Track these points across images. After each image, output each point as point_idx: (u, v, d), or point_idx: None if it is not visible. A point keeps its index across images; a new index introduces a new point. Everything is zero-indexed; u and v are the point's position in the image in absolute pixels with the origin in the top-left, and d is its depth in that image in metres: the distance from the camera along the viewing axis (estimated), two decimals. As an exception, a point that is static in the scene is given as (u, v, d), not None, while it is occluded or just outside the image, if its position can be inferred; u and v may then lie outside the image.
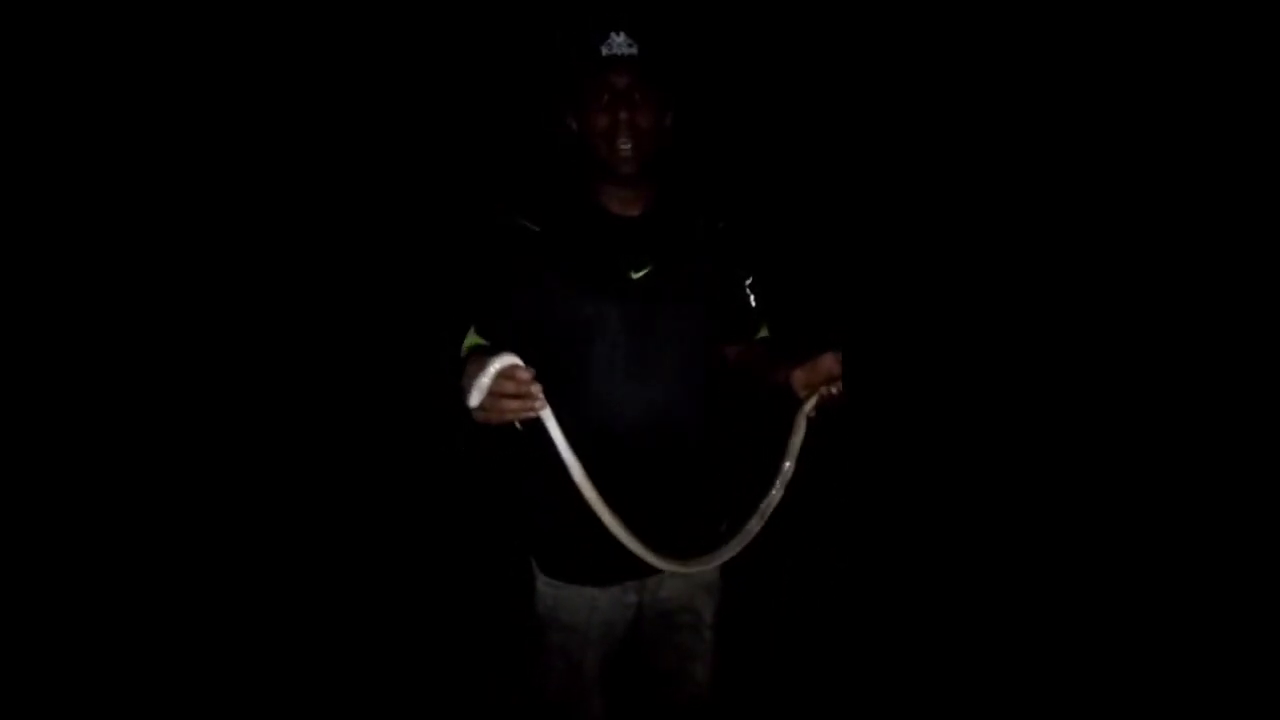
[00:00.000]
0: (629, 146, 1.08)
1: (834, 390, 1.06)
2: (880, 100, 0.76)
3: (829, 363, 1.06)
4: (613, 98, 1.07)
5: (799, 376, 1.08)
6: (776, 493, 1.08)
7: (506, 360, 0.82)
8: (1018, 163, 0.62)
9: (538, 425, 0.88)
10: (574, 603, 1.23)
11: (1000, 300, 0.64)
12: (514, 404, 0.82)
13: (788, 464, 1.08)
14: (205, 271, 2.70)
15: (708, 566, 1.07)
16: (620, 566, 1.20)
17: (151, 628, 1.96)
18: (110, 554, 2.15)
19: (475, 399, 0.80)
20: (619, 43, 1.05)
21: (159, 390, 2.58)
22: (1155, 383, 0.55)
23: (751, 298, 1.25)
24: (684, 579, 1.25)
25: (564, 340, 1.11)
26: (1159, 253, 0.54)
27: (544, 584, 1.25)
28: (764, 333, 1.29)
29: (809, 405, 1.07)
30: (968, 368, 0.67)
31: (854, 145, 0.78)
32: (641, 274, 1.13)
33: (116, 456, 2.37)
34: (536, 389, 0.83)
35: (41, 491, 2.12)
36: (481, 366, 0.81)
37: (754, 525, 1.07)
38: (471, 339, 1.11)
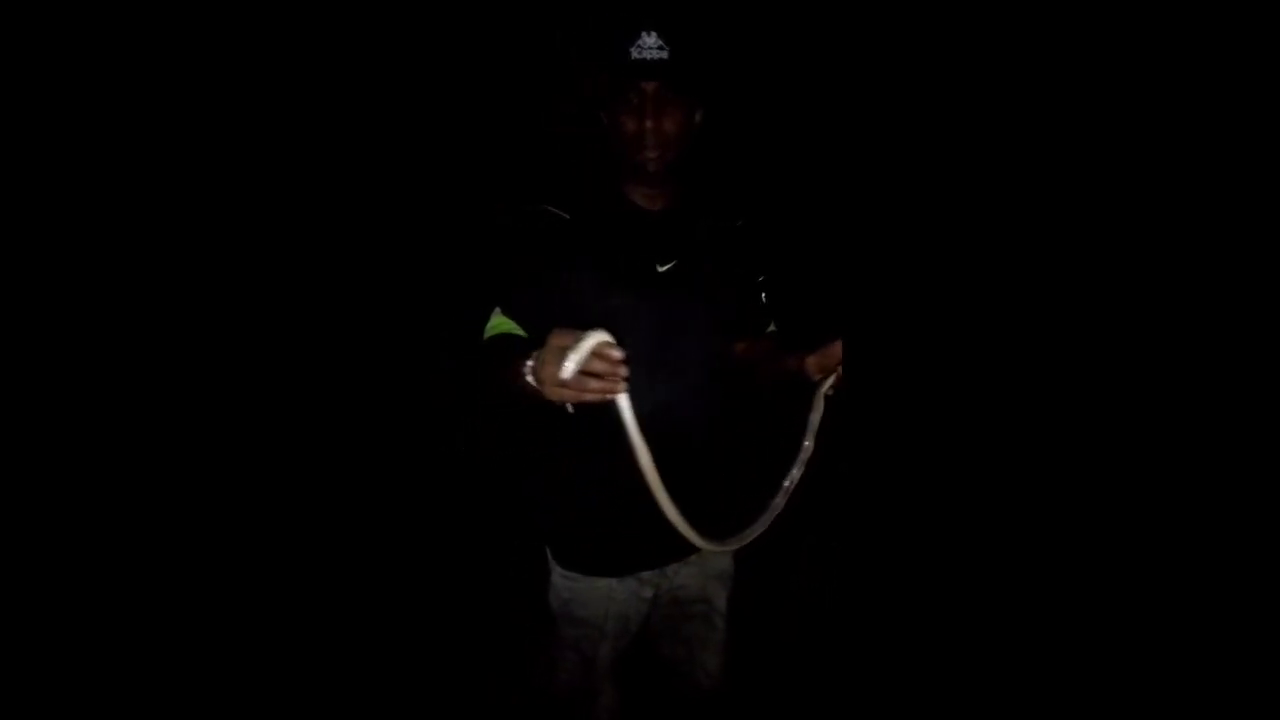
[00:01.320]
0: (655, 153, 1.07)
1: None
2: (891, 99, 0.80)
3: (842, 347, 1.11)
4: (640, 102, 1.05)
5: (813, 361, 1.10)
6: (798, 470, 1.12)
7: (601, 336, 0.80)
8: (1026, 164, 0.65)
9: (592, 407, 0.84)
10: (590, 596, 1.22)
11: (1003, 294, 0.67)
12: (597, 384, 0.80)
13: (808, 442, 1.13)
14: (211, 270, 2.63)
15: (741, 544, 1.09)
16: (640, 555, 1.21)
17: (153, 625, 1.87)
18: (112, 552, 2.02)
19: (569, 370, 0.77)
20: (649, 45, 1.03)
21: (166, 391, 2.50)
22: (1157, 377, 0.58)
23: (763, 294, 1.29)
24: (698, 568, 1.27)
25: (588, 328, 1.11)
26: (1164, 257, 0.58)
27: (560, 577, 1.24)
28: (771, 328, 1.33)
29: (826, 385, 1.11)
30: (972, 359, 0.69)
31: (864, 144, 0.81)
32: (667, 268, 1.14)
33: (117, 455, 2.27)
34: (624, 371, 0.81)
35: (40, 491, 2.02)
36: (574, 339, 0.79)
37: (779, 502, 1.11)
38: (498, 321, 1.09)
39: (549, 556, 1.26)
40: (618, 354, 0.80)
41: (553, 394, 0.82)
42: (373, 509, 2.64)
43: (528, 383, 0.88)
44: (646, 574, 1.23)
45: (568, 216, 1.11)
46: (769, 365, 1.24)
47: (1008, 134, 0.66)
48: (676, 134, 1.07)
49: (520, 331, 1.07)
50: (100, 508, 2.13)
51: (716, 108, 1.16)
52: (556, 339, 0.82)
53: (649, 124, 1.05)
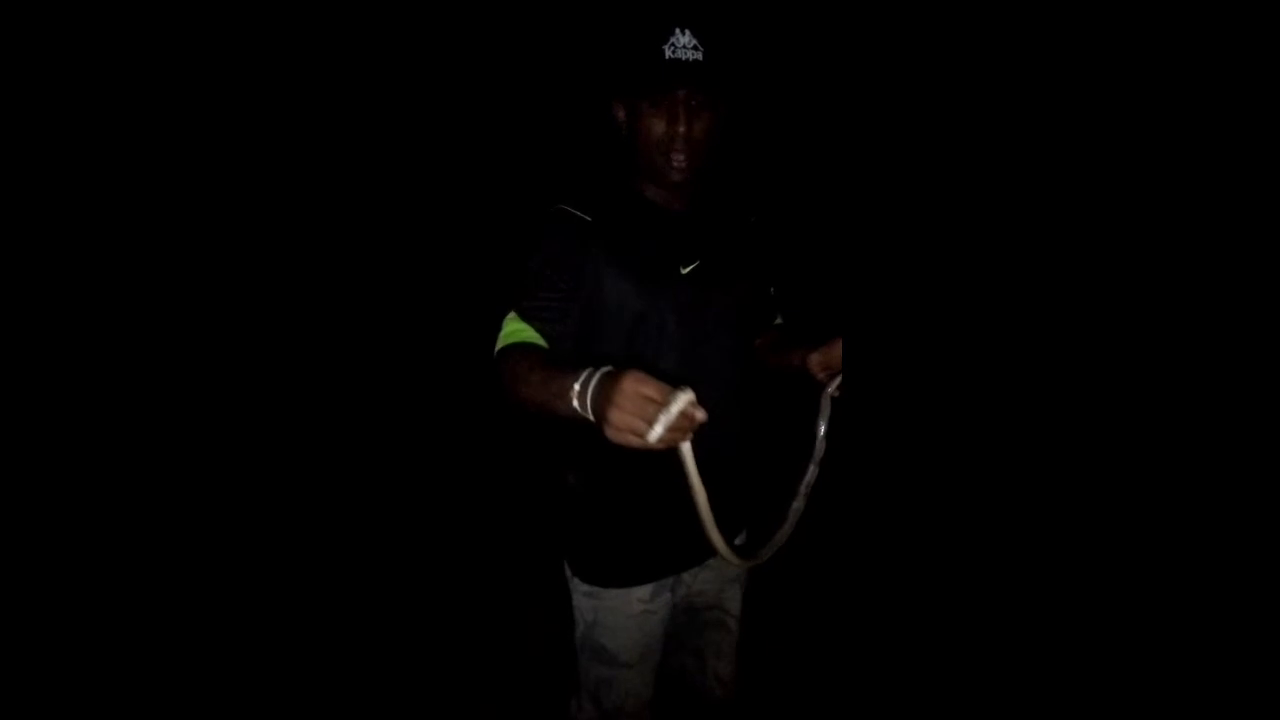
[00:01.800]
0: (682, 158, 1.02)
1: None
2: (890, 100, 0.78)
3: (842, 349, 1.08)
4: (672, 105, 0.99)
5: (816, 360, 1.08)
6: (813, 470, 1.12)
7: (689, 396, 0.75)
8: (1026, 169, 0.65)
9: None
10: (614, 617, 1.17)
11: (1000, 298, 0.66)
12: (669, 436, 0.75)
13: (820, 442, 1.12)
14: (244, 270, 2.72)
15: (769, 555, 1.07)
16: (662, 562, 1.18)
17: (162, 627, 1.95)
18: (129, 552, 2.17)
19: (657, 434, 0.73)
20: (684, 45, 0.97)
21: (205, 390, 2.61)
22: (1154, 377, 0.57)
23: (771, 288, 1.28)
24: (715, 572, 1.25)
25: (613, 333, 1.07)
26: (1163, 258, 0.57)
27: (582, 596, 1.19)
28: (778, 320, 1.31)
29: (832, 386, 1.10)
30: (970, 361, 0.68)
31: (866, 142, 0.80)
32: (689, 270, 1.10)
33: (139, 454, 2.42)
34: (698, 426, 0.77)
35: (50, 489, 2.10)
36: (660, 393, 0.74)
37: (799, 505, 1.10)
38: (514, 327, 1.03)
39: (569, 575, 1.21)
40: (701, 415, 0.76)
41: (616, 437, 0.76)
42: (376, 514, 2.67)
43: (574, 407, 0.82)
44: (666, 580, 1.20)
45: (589, 219, 1.06)
46: (773, 357, 1.22)
47: (1009, 139, 0.65)
48: (706, 139, 1.03)
49: (538, 338, 1.02)
50: (148, 503, 2.28)
51: (741, 108, 1.11)
52: (635, 385, 0.75)
53: (680, 129, 1.00)
